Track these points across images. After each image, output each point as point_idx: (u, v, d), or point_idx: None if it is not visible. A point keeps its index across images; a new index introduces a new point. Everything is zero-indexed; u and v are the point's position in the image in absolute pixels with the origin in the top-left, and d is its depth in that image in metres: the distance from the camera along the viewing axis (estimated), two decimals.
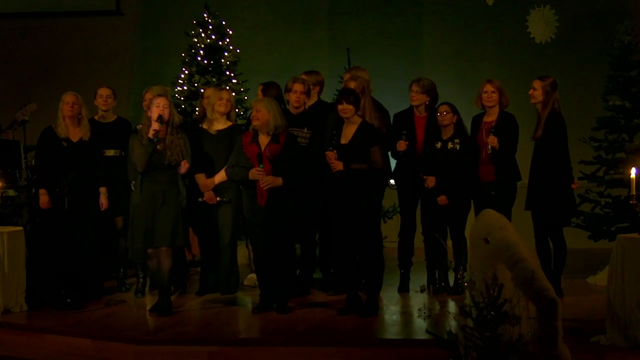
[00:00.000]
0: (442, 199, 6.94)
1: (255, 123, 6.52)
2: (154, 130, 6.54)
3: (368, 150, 6.35)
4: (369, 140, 6.38)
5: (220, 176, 6.96)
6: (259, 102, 6.61)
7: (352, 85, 6.80)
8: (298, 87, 7.07)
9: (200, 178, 7.01)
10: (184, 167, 6.61)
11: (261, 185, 6.41)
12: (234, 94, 9.75)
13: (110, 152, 7.44)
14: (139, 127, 6.73)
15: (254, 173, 6.43)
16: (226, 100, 7.10)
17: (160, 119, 6.55)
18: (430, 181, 6.99)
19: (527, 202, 6.96)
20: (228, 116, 7.16)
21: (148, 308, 6.70)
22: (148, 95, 7.12)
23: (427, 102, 7.16)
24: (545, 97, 6.83)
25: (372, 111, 6.89)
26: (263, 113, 6.47)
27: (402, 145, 7.03)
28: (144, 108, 7.02)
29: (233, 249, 7.17)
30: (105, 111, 7.62)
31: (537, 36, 9.63)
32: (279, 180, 6.41)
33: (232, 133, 6.99)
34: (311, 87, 7.23)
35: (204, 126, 7.14)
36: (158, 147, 6.56)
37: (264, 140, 6.53)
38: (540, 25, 9.59)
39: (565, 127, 6.86)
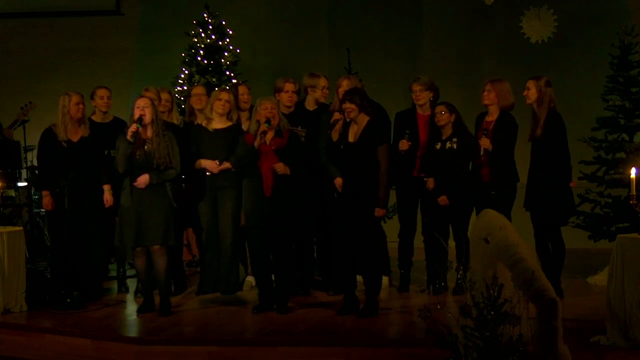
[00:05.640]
0: (442, 199, 6.94)
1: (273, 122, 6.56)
2: (131, 131, 6.50)
3: (375, 149, 6.36)
4: (377, 138, 6.39)
5: (226, 165, 6.96)
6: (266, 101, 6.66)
7: (345, 84, 6.86)
8: (289, 86, 7.13)
9: (201, 162, 6.98)
10: (143, 181, 6.52)
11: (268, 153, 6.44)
12: None
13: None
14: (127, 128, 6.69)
15: (263, 128, 6.47)
16: (225, 102, 7.09)
17: (139, 120, 6.53)
18: (431, 182, 6.99)
19: (525, 201, 6.97)
20: (228, 116, 7.16)
21: (136, 309, 6.68)
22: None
23: (431, 99, 7.18)
24: (539, 95, 6.83)
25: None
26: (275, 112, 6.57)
27: (404, 144, 7.04)
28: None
29: (234, 249, 7.16)
30: (105, 112, 7.62)
31: (532, 36, 9.66)
32: (287, 169, 6.48)
33: (232, 133, 6.99)
34: (309, 89, 7.27)
35: (202, 123, 7.14)
36: (145, 147, 6.52)
37: (268, 135, 6.57)
38: (535, 26, 9.59)
39: (564, 125, 6.86)
